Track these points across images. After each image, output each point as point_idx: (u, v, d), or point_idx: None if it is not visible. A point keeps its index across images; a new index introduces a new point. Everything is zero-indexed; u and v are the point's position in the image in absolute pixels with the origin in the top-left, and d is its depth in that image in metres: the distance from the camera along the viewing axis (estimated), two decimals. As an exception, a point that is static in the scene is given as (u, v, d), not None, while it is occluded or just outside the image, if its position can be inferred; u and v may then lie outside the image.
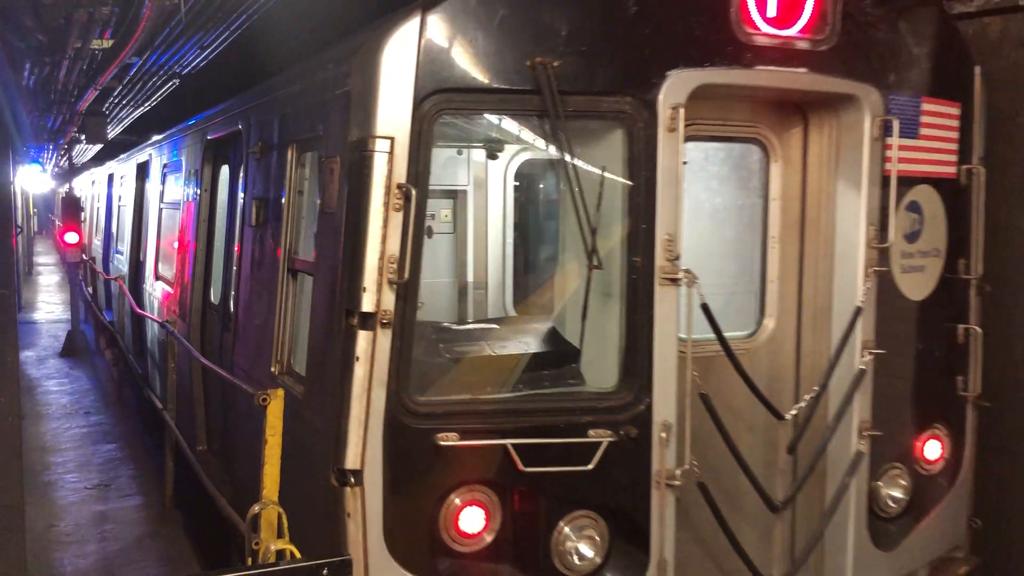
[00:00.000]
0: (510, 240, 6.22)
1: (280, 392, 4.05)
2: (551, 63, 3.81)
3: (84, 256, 17.03)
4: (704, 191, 5.11)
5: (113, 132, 12.81)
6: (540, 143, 4.13)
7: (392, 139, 3.71)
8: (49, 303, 23.58)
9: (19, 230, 18.63)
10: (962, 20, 5.52)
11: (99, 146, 15.53)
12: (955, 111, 4.92)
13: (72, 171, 18.67)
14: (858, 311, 4.51)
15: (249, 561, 3.82)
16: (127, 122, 12.27)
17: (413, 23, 3.71)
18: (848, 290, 4.58)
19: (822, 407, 4.62)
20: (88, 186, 19.87)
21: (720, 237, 5.10)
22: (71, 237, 15.31)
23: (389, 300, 3.72)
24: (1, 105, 5.47)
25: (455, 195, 6.43)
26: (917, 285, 4.87)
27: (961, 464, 5.15)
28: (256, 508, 3.96)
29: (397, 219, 3.69)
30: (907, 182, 4.71)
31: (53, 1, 3.83)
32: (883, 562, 4.69)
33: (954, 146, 4.95)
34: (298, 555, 3.62)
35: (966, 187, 5.02)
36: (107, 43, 5.52)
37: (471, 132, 4.46)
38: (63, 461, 9.39)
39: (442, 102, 3.77)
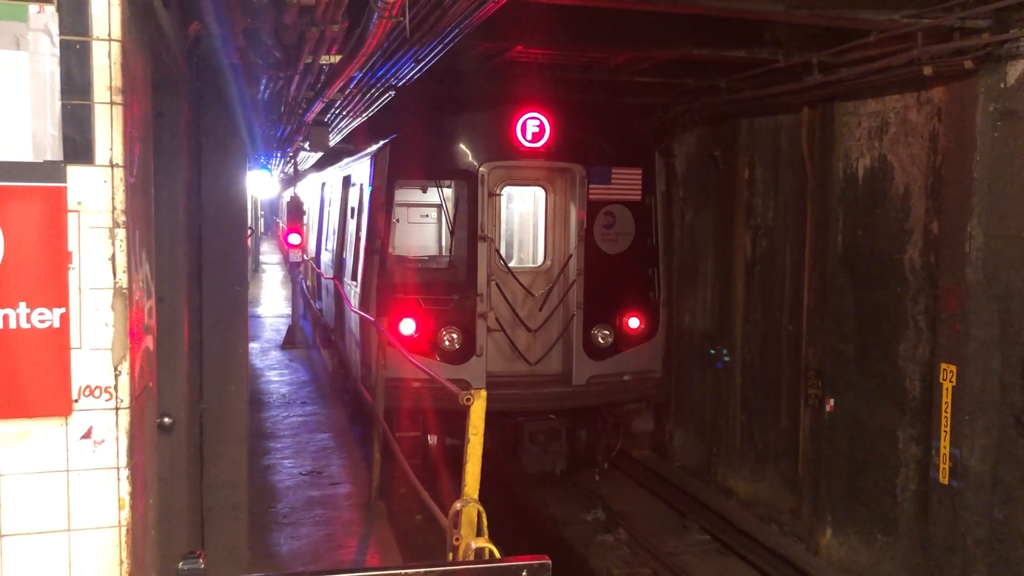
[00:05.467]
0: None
1: (483, 393, 4.25)
2: (436, 160, 10.11)
3: (304, 256, 18.26)
4: (534, 205, 11.36)
5: (334, 141, 13.65)
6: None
7: (385, 187, 10.07)
8: (273, 298, 25.43)
9: (250, 231, 20.20)
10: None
11: (319, 154, 16.57)
12: (638, 171, 10.53)
13: (296, 177, 20.04)
14: (570, 256, 10.27)
15: (450, 556, 3.95)
16: (345, 131, 13.03)
17: (387, 144, 10.31)
18: (571, 247, 10.30)
19: (563, 295, 10.34)
20: (303, 192, 21.48)
21: (532, 226, 11.49)
22: (294, 238, 16.44)
23: (381, 243, 10.01)
24: (241, 118, 5.95)
25: (438, 206, 12.33)
26: (613, 247, 10.42)
27: (656, 332, 10.74)
28: (457, 505, 4.10)
29: (383, 215, 10.05)
30: (604, 203, 10.34)
31: (292, 21, 4.15)
32: (594, 365, 10.25)
33: (638, 185, 10.53)
34: (497, 554, 3.70)
35: (648, 205, 10.63)
36: (335, 58, 5.90)
37: (416, 182, 10.75)
38: (281, 447, 10.05)
39: (396, 171, 10.10)
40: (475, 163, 9.95)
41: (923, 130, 7.98)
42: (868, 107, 8.71)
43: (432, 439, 9.68)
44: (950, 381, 7.28)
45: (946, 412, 7.31)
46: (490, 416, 9.11)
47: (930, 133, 7.89)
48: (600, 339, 10.24)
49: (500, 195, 10.38)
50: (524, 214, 11.89)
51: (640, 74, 9.81)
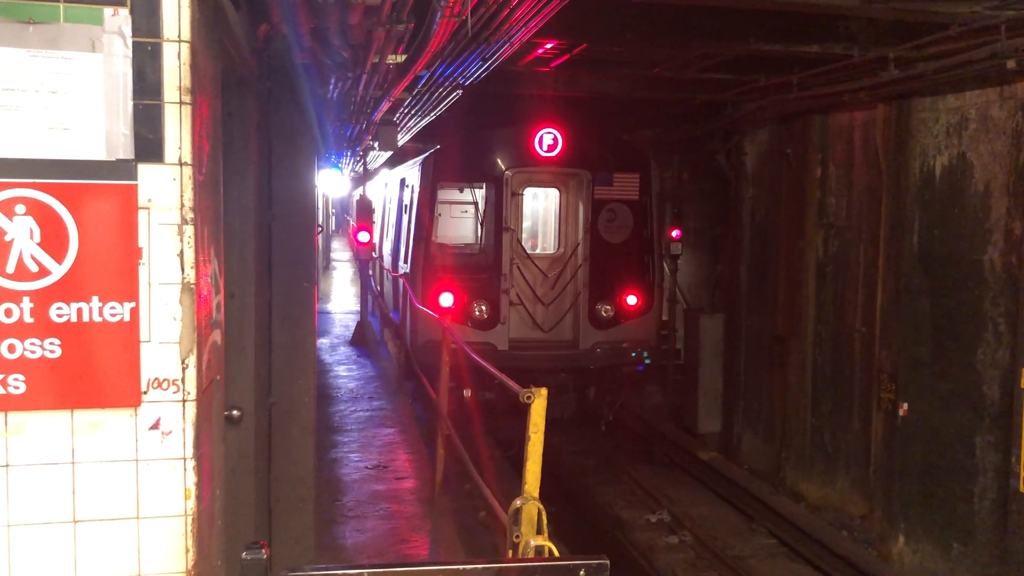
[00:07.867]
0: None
1: (544, 391, 4.23)
2: (470, 166, 12.33)
3: (374, 254, 18.49)
4: (550, 203, 13.14)
5: (402, 140, 13.78)
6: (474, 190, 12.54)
7: (430, 188, 12.41)
8: (342, 295, 25.81)
9: (320, 229, 20.57)
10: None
11: (388, 153, 16.74)
12: (636, 176, 12.36)
13: (365, 175, 20.29)
14: (577, 244, 12.28)
15: (510, 554, 3.96)
16: (414, 130, 13.15)
17: (432, 153, 12.76)
18: (579, 237, 12.31)
19: (572, 276, 12.26)
20: (372, 191, 21.90)
21: (550, 219, 13.16)
22: (363, 236, 16.63)
23: (426, 233, 12.33)
24: (311, 117, 6.04)
25: (474, 204, 12.89)
26: (615, 237, 12.29)
27: (651, 308, 12.54)
28: (518, 503, 4.10)
29: (428, 210, 12.34)
30: (606, 202, 12.25)
31: (358, 21, 4.20)
32: (598, 334, 12.14)
33: (636, 187, 12.35)
34: (556, 553, 3.69)
35: (644, 203, 12.43)
36: (400, 58, 5.95)
37: (454, 184, 12.45)
38: (348, 441, 10.19)
39: (439, 175, 12.38)
40: (502, 169, 12.11)
41: (1005, 126, 7.70)
42: (947, 103, 8.43)
43: (467, 392, 11.13)
44: (1032, 387, 7.01)
45: (1027, 419, 7.04)
46: (510, 373, 10.25)
47: (1013, 129, 7.61)
48: (603, 312, 12.22)
49: (522, 195, 12.43)
50: (546, 210, 13.80)
51: (709, 71, 9.68)
